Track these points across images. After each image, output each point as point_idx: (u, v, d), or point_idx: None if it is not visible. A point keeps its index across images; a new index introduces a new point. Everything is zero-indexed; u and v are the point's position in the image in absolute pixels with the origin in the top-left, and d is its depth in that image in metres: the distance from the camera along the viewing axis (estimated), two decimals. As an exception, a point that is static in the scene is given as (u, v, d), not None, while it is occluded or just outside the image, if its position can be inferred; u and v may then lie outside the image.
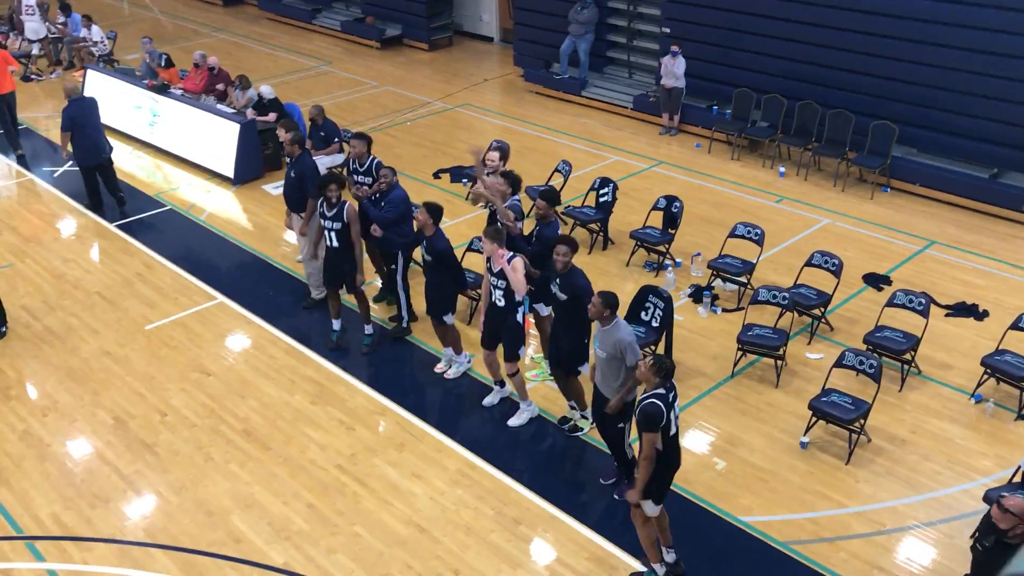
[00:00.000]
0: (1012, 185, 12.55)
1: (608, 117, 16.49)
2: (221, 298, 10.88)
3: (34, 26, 19.50)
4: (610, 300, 7.25)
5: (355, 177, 10.30)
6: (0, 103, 14.84)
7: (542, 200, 9.01)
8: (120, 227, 12.69)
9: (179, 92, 15.28)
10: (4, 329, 10.11)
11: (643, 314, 9.26)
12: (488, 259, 8.38)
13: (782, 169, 13.98)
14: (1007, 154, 12.71)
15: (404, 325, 10.09)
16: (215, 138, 14.17)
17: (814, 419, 8.34)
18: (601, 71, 17.43)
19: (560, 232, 8.91)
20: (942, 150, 13.30)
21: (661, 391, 6.43)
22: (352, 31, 21.53)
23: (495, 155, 10.01)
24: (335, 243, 9.35)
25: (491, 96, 17.96)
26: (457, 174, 13.81)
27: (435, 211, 8.92)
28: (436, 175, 13.91)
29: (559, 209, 12.23)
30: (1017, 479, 7.31)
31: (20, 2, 19.96)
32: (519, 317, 8.36)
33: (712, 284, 10.73)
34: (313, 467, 8.20)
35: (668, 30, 15.85)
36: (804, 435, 8.39)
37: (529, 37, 18.39)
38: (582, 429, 8.61)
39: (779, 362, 9.21)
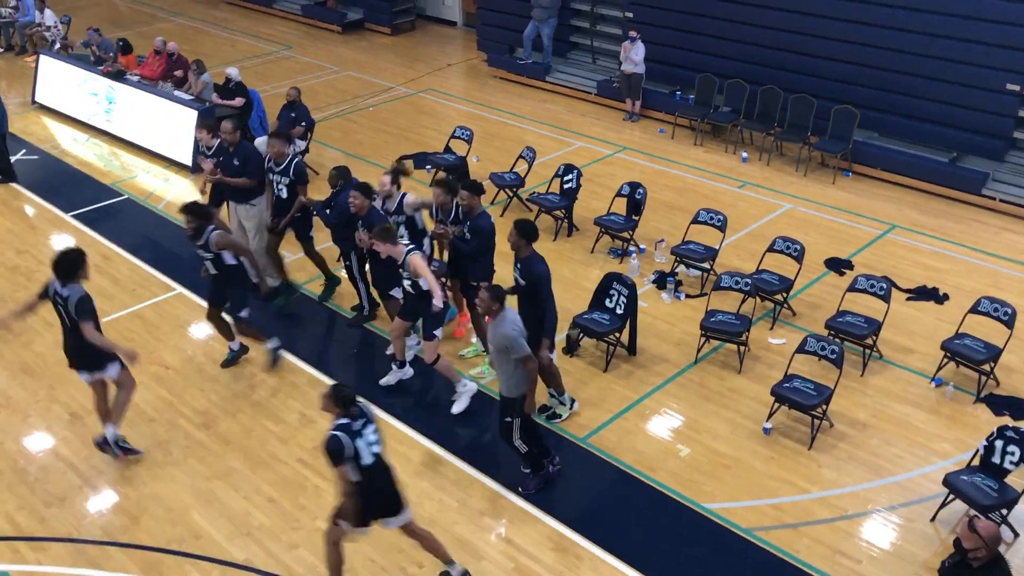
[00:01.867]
0: (971, 169, 12.67)
1: (572, 103, 16.42)
2: (180, 289, 10.70)
3: None
4: (498, 294, 7.13)
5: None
6: None
7: (465, 191, 8.77)
8: (76, 217, 12.44)
9: (136, 79, 14.99)
10: None
11: (607, 301, 9.24)
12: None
13: (744, 154, 14.00)
14: (967, 138, 12.82)
15: (364, 313, 10.00)
16: (173, 125, 13.92)
17: (776, 405, 8.37)
18: (565, 56, 17.35)
19: (491, 220, 8.85)
20: (903, 134, 13.38)
21: (345, 421, 6.08)
22: (313, 15, 21.25)
23: (386, 179, 9.40)
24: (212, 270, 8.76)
25: (455, 81, 17.81)
26: (421, 160, 13.68)
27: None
28: (399, 161, 13.75)
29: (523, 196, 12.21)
30: (976, 462, 7.38)
31: None
32: (437, 302, 8.12)
33: (676, 270, 10.73)
34: (274, 461, 8.10)
35: (631, 15, 15.80)
36: (767, 421, 8.42)
37: (492, 22, 18.24)
38: (560, 416, 8.56)
39: (742, 348, 9.23)
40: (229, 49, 19.51)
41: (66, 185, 13.47)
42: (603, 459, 8.10)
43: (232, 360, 9.35)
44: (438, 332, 8.49)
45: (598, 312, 9.24)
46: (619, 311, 9.17)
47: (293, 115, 13.01)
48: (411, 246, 8.33)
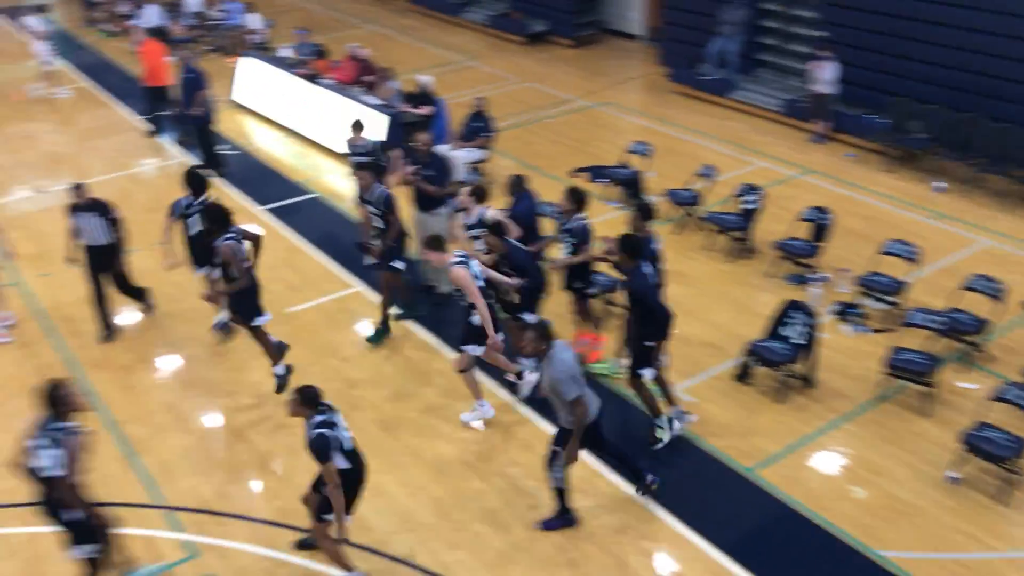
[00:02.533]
0: None
1: (755, 121, 16.01)
2: (360, 286, 11.10)
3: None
4: (544, 331, 6.83)
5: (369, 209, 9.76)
6: (160, 94, 15.45)
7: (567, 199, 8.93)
8: (267, 210, 13.13)
9: (329, 82, 15.70)
10: (151, 303, 10.59)
11: (785, 329, 8.92)
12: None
13: (940, 184, 13.22)
14: None
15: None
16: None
17: (964, 453, 7.83)
18: (750, 73, 16.93)
19: (529, 258, 8.80)
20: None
21: (321, 418, 6.27)
22: (498, 26, 21.65)
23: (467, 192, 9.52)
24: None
25: (634, 95, 17.72)
26: (597, 173, 13.66)
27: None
28: (574, 173, 13.80)
29: (699, 212, 12.00)
30: None
31: None
32: (475, 320, 8.17)
33: (860, 302, 10.24)
34: (440, 462, 8.25)
35: (823, 33, 15.25)
36: (953, 470, 7.89)
37: (677, 36, 18.05)
38: (660, 440, 8.32)
39: (929, 389, 8.70)
40: (416, 57, 20.15)
41: (259, 179, 14.25)
42: (770, 493, 7.81)
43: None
44: (470, 348, 8.39)
45: (774, 340, 8.93)
46: (797, 340, 8.82)
47: (477, 124, 13.28)
48: (459, 259, 8.14)
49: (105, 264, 9.83)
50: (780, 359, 8.76)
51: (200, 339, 10.10)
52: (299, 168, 14.71)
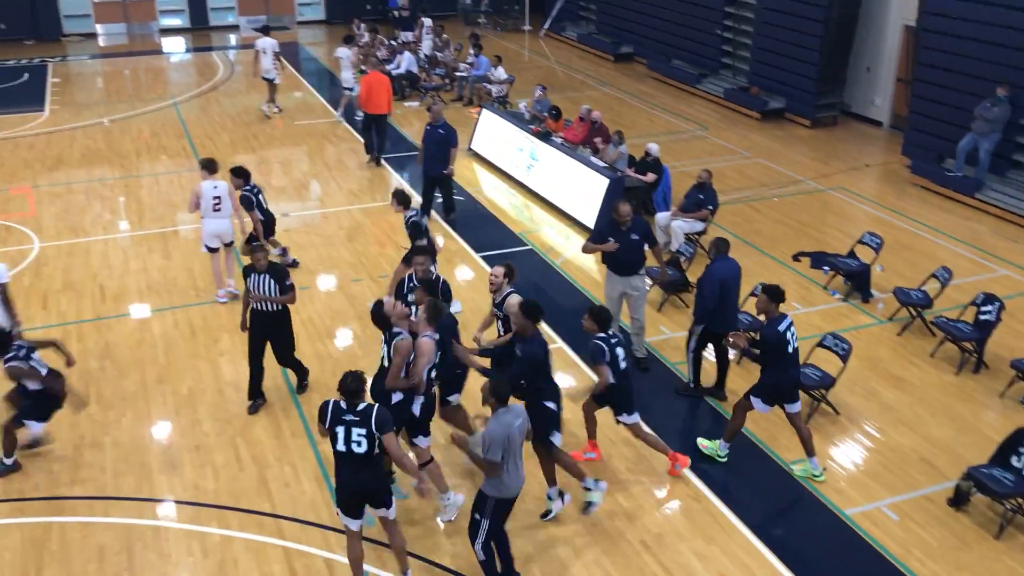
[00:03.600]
0: None
1: (1003, 225, 14.84)
2: (560, 343, 11.13)
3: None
4: (497, 390, 6.91)
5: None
6: (371, 121, 17.03)
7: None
8: (482, 256, 13.49)
9: (559, 140, 16.04)
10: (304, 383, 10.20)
11: (1015, 459, 8.09)
12: None
13: None
14: None
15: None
16: (584, 189, 14.66)
17: None
18: (1003, 174, 15.76)
19: (543, 349, 8.05)
20: None
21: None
22: (734, 99, 21.41)
23: (499, 271, 8.98)
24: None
25: (869, 183, 16.93)
26: (819, 260, 13.10)
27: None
28: (796, 257, 13.30)
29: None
30: None
31: (422, 28, 22.63)
32: (414, 407, 7.90)
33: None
34: (618, 536, 8.04)
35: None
36: None
37: (924, 127, 17.12)
38: (550, 512, 8.18)
39: None
40: (647, 123, 20.25)
41: (479, 226, 14.72)
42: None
43: None
44: (419, 440, 8.08)
45: (1001, 469, 8.12)
46: (1028, 473, 7.98)
47: (701, 196, 13.12)
48: (426, 334, 7.79)
49: None
50: (1006, 491, 7.94)
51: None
52: (519, 219, 15.06)
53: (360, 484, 6.83)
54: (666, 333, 11.34)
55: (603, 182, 14.19)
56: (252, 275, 9.32)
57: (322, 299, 12.15)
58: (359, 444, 6.65)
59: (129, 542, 7.85)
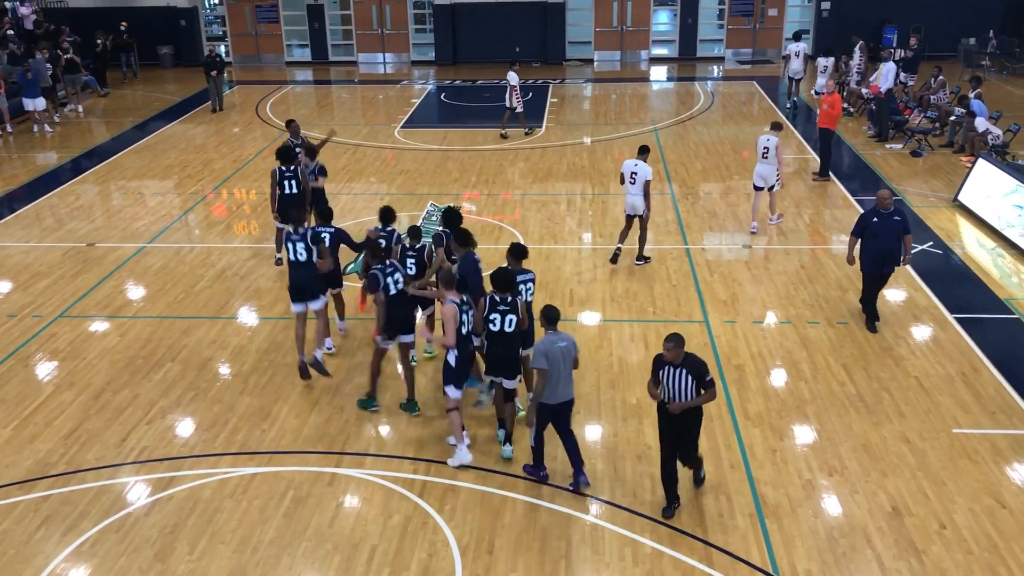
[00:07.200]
0: None
1: None
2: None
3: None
4: (548, 314, 8.49)
5: None
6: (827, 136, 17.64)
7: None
8: (957, 319, 12.33)
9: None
10: None
11: None
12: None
13: None
14: None
15: None
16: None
17: None
18: None
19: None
20: None
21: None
22: None
23: None
24: None
25: None
26: None
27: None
28: None
29: None
30: None
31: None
32: (449, 357, 9.08)
33: None
34: None
35: None
36: None
37: None
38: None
39: None
40: None
41: (956, 284, 13.47)
42: None
43: None
44: (448, 390, 9.21)
45: None
46: None
47: None
48: (449, 299, 8.96)
49: None
50: None
51: (852, 427, 9.92)
52: (1006, 285, 13.51)
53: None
54: None
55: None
56: None
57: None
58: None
59: (568, 532, 8.41)
